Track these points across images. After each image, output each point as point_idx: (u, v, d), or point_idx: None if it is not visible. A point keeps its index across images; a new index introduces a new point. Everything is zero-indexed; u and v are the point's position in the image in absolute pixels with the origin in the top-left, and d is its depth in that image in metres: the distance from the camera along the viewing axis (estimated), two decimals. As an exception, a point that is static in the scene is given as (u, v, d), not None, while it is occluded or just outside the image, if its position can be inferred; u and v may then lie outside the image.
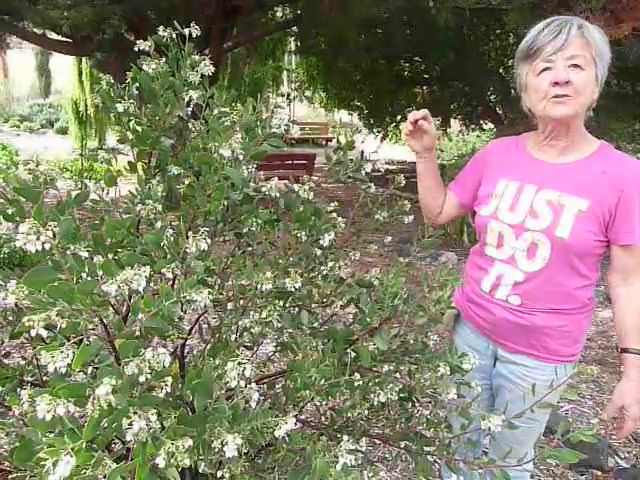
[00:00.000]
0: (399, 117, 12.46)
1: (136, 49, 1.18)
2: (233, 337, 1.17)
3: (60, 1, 5.49)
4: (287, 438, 0.82)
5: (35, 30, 6.83)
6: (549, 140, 1.37)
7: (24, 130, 17.85)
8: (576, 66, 1.24)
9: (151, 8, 6.47)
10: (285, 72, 15.52)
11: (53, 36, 7.11)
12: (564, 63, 1.24)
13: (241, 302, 1.18)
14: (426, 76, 11.22)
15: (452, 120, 12.80)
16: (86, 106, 12.39)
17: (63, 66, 15.68)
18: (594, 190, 1.29)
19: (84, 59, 11.09)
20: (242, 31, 8.57)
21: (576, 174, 1.33)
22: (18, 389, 1.21)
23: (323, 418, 1.37)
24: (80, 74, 12.39)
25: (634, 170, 1.29)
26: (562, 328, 1.37)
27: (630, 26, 4.03)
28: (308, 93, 14.38)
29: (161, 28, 1.17)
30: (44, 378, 1.25)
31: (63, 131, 16.58)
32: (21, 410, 0.87)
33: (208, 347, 1.08)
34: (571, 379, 1.14)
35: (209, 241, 0.96)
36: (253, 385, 0.78)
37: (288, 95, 15.54)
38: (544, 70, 1.27)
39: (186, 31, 1.18)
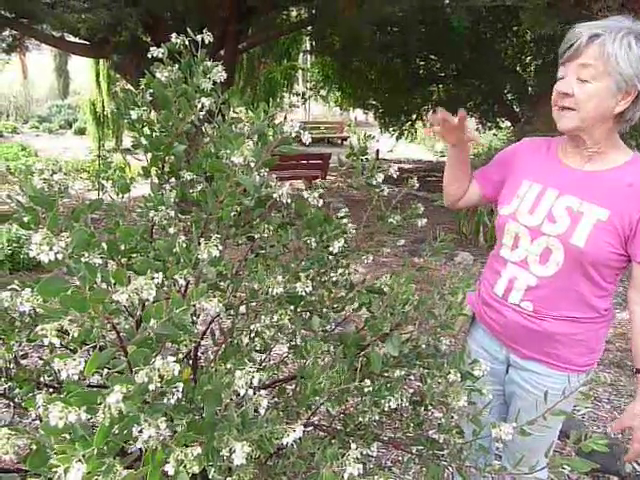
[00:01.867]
0: (414, 116, 12.41)
1: (152, 53, 1.20)
2: (245, 341, 1.18)
3: (77, 5, 5.56)
4: (296, 444, 0.82)
5: (53, 33, 6.93)
6: (573, 147, 1.35)
7: (43, 131, 18.11)
8: (582, 79, 1.21)
9: (167, 10, 6.52)
10: (300, 71, 15.54)
11: (71, 38, 7.21)
12: (574, 73, 1.23)
13: (253, 305, 1.19)
14: (442, 74, 11.15)
15: (468, 118, 12.70)
16: (103, 107, 12.57)
17: (81, 67, 15.88)
18: (617, 201, 1.25)
19: (102, 61, 11.23)
20: (257, 31, 8.60)
21: (601, 183, 1.29)
22: (35, 390, 1.24)
23: (335, 421, 1.38)
24: (98, 75, 12.56)
25: None
26: (575, 336, 1.35)
27: (649, 24, 3.95)
28: (323, 92, 14.35)
29: (174, 35, 1.18)
30: (61, 379, 1.27)
31: (81, 132, 16.80)
32: (37, 413, 0.89)
33: (220, 351, 1.09)
34: (585, 387, 1.13)
35: (221, 247, 0.97)
36: (262, 392, 0.78)
37: (303, 94, 15.54)
38: (561, 78, 1.27)
39: (199, 37, 1.19)
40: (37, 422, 1.10)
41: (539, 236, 1.33)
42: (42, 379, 1.28)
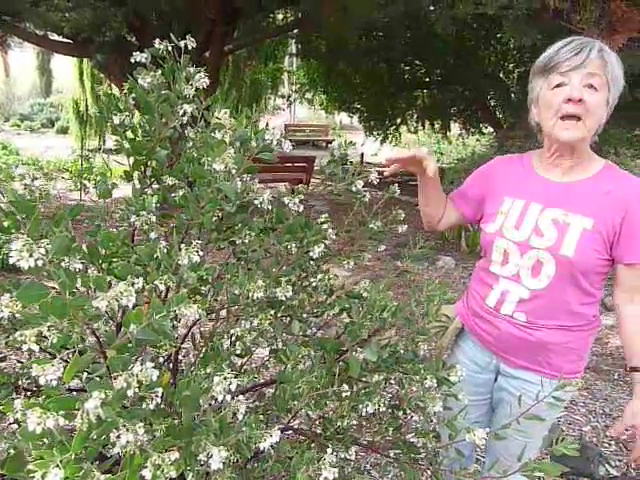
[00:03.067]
0: (399, 120, 12.50)
1: (135, 58, 1.20)
2: (226, 345, 1.18)
3: (61, 3, 5.51)
4: (275, 448, 0.83)
5: (36, 31, 6.85)
6: (554, 159, 1.37)
7: (24, 129, 17.87)
8: (591, 86, 1.24)
9: (153, 11, 6.49)
10: (286, 74, 15.55)
11: (54, 37, 7.14)
12: (580, 82, 1.24)
13: (234, 309, 1.20)
14: (426, 80, 11.24)
15: (452, 123, 12.83)
16: (87, 106, 12.42)
17: (64, 66, 15.72)
18: (599, 209, 1.29)
19: (85, 59, 11.11)
20: (243, 34, 8.61)
21: (581, 193, 1.33)
22: (14, 394, 1.23)
23: (315, 425, 1.39)
24: (81, 74, 12.42)
25: (639, 189, 1.29)
26: (567, 345, 1.37)
27: (625, 37, 4.06)
28: (309, 95, 14.37)
29: (158, 40, 1.19)
30: (40, 383, 1.27)
31: (64, 131, 16.61)
32: (15, 417, 0.89)
33: (200, 356, 1.10)
34: (570, 392, 1.14)
35: (202, 253, 0.98)
36: (240, 397, 0.79)
37: (289, 97, 15.55)
38: (558, 86, 1.27)
39: (182, 43, 1.20)
40: (14, 426, 1.09)
41: (528, 250, 1.35)
42: (20, 382, 1.27)
